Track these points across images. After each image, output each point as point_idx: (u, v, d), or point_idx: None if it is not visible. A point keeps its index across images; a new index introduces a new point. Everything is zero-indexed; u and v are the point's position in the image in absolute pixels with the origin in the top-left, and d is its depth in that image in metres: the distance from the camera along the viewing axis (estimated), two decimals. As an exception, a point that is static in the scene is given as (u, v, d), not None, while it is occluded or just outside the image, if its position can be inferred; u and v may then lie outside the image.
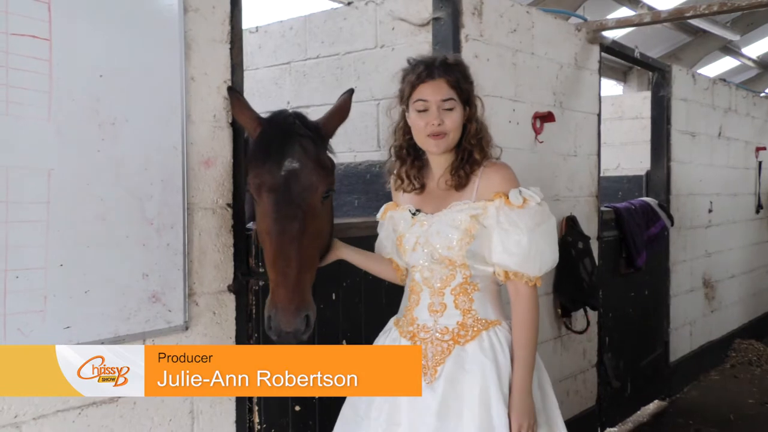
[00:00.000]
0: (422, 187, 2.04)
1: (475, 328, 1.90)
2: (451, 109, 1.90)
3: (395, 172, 2.07)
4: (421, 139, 1.95)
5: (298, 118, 2.05)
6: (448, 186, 1.95)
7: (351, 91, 2.19)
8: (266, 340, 2.24)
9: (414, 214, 2.00)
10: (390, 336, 2.04)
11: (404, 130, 2.02)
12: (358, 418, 1.96)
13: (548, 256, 1.89)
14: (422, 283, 1.96)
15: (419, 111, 1.91)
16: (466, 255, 1.88)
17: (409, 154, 2.03)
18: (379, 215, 2.18)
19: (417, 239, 1.95)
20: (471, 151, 1.94)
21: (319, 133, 2.05)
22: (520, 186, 1.91)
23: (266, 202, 1.91)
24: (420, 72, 1.92)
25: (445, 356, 1.88)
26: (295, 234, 1.89)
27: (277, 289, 1.88)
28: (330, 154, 2.06)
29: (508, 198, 1.87)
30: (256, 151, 1.97)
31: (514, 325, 1.90)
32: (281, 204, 1.90)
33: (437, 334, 1.91)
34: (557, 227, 3.79)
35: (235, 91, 2.11)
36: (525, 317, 1.89)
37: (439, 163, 1.99)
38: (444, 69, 1.92)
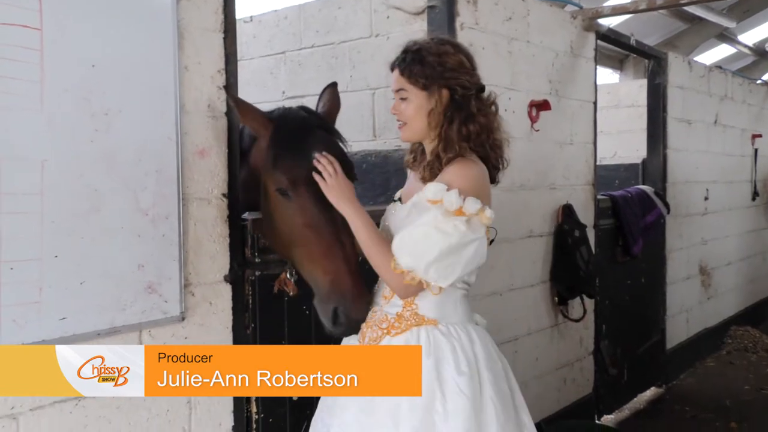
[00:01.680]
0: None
1: (409, 322, 1.86)
2: (404, 99, 1.90)
3: (411, 147, 2.09)
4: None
5: (307, 111, 2.11)
6: (423, 174, 1.93)
7: (335, 84, 2.26)
8: (264, 330, 2.25)
9: (394, 201, 2.03)
10: None
11: None
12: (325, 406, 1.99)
13: (422, 257, 1.73)
14: None
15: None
16: None
17: None
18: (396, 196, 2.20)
19: (389, 227, 1.96)
20: (451, 141, 1.85)
21: (330, 124, 2.11)
22: (475, 189, 1.79)
23: (305, 196, 1.92)
24: (392, 60, 1.96)
25: (375, 344, 1.88)
26: (343, 221, 1.91)
27: (340, 278, 1.88)
28: (342, 144, 2.09)
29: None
30: (278, 148, 1.97)
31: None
32: (321, 194, 1.90)
33: (377, 320, 1.91)
34: (554, 215, 3.83)
35: (236, 97, 2.06)
36: (388, 264, 1.79)
37: (427, 148, 1.98)
38: (401, 59, 1.91)
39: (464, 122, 1.86)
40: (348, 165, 2.02)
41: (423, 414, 1.74)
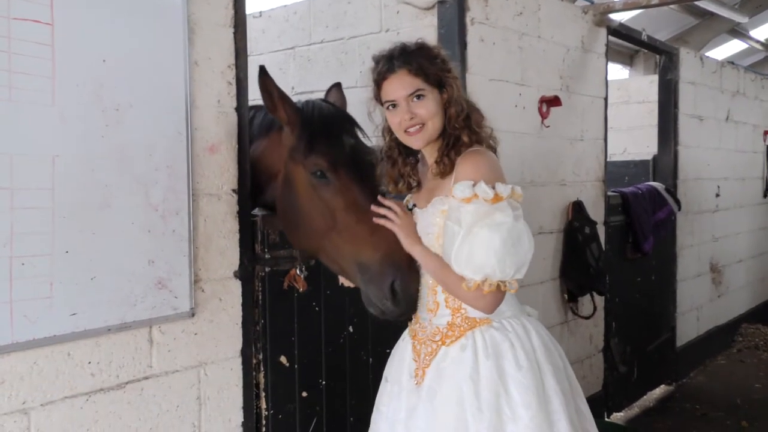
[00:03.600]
0: (419, 185, 1.99)
1: (462, 328, 1.83)
2: (421, 97, 1.82)
3: (387, 174, 2.00)
4: (401, 137, 1.89)
5: (329, 103, 2.19)
6: (434, 175, 1.88)
7: (339, 84, 2.35)
8: (273, 326, 2.25)
9: (410, 209, 1.98)
10: (404, 333, 2.05)
11: (389, 129, 1.95)
12: (378, 409, 2.02)
13: (490, 259, 1.69)
14: (422, 280, 1.93)
15: (389, 109, 1.86)
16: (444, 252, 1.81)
17: (401, 153, 1.97)
18: None
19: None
20: (458, 135, 1.84)
21: (351, 116, 2.19)
22: (496, 174, 1.79)
23: (346, 177, 1.94)
24: (380, 68, 1.85)
25: (431, 358, 1.85)
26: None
27: (393, 251, 1.86)
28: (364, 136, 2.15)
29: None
30: (313, 133, 2.00)
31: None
32: (360, 175, 1.95)
33: (430, 334, 1.88)
34: (564, 212, 3.81)
35: (275, 85, 2.02)
36: (463, 293, 1.75)
37: (430, 153, 1.92)
38: (404, 58, 1.82)
39: (463, 116, 1.86)
40: (372, 155, 2.06)
41: (491, 416, 1.72)
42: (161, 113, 1.92)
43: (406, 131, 1.85)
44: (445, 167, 1.84)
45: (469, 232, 1.71)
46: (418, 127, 1.83)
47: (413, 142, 1.86)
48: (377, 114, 1.96)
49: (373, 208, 1.89)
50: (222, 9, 2.09)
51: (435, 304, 1.89)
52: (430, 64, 1.83)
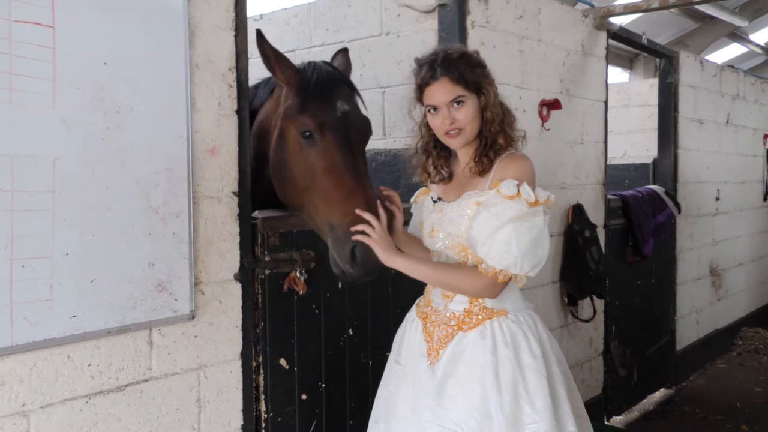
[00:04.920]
0: (450, 177, 2.08)
1: (480, 317, 1.92)
2: (460, 103, 1.91)
3: (422, 166, 2.11)
4: (441, 138, 1.99)
5: (332, 66, 2.24)
6: (473, 173, 1.97)
7: (346, 50, 2.42)
8: (273, 328, 2.25)
9: (435, 201, 2.07)
10: (410, 316, 2.12)
11: (427, 125, 2.04)
12: (389, 394, 2.06)
13: (515, 253, 1.79)
14: None
15: (431, 112, 1.96)
16: None
17: (436, 146, 2.07)
18: (412, 199, 2.26)
19: (433, 226, 2.00)
20: (495, 138, 1.94)
21: (351, 81, 2.24)
22: (533, 179, 1.90)
23: (330, 140, 2.01)
24: (423, 74, 1.94)
25: (447, 341, 1.93)
26: (364, 169, 2.03)
27: (361, 218, 1.90)
28: (361, 103, 2.20)
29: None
30: (307, 93, 2.06)
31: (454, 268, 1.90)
32: (345, 141, 2.01)
33: (445, 319, 1.96)
34: (564, 215, 3.81)
35: (271, 46, 2.11)
36: (467, 279, 1.86)
37: (464, 152, 2.02)
38: (446, 66, 1.91)
39: (499, 120, 1.96)
40: (364, 122, 2.13)
41: (510, 398, 1.83)
42: (162, 116, 1.92)
43: (446, 134, 1.94)
44: (484, 166, 1.95)
45: (504, 226, 1.81)
46: (457, 130, 1.93)
47: (453, 143, 1.97)
48: (417, 112, 2.07)
49: (357, 212, 1.93)
50: (223, 12, 2.09)
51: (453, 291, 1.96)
52: (470, 72, 1.93)
